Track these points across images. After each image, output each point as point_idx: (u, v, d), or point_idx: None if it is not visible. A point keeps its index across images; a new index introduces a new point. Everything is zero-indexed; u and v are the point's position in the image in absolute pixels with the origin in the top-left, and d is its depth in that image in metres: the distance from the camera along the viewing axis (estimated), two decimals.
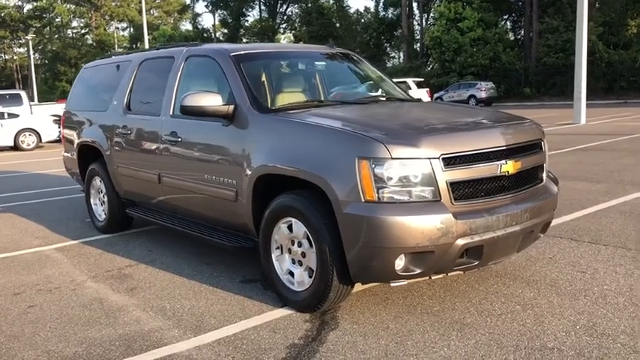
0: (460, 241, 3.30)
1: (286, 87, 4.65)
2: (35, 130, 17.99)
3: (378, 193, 3.24)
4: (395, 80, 23.35)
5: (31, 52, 79.50)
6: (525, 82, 39.26)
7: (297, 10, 61.69)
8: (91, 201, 6.34)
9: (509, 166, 3.53)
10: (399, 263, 3.31)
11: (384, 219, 3.21)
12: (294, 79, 4.77)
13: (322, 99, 4.51)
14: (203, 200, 4.53)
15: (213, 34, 70.01)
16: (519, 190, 3.66)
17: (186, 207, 4.85)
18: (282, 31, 68.84)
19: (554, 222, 5.51)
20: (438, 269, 3.45)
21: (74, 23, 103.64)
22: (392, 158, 3.24)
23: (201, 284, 4.39)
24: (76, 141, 6.41)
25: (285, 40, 68.52)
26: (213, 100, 4.06)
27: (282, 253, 3.84)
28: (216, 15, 69.61)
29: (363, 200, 3.25)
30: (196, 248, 5.33)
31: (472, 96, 34.56)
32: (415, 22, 52.41)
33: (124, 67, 5.79)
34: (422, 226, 3.23)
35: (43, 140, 18.41)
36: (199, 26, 71.63)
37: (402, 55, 51.81)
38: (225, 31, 67.69)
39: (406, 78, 30.07)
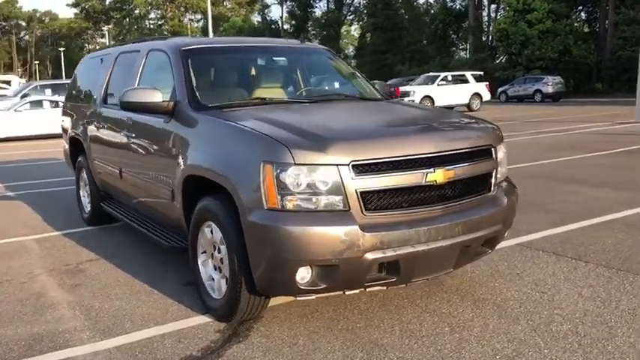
0: (369, 256, 3.03)
1: (235, 84, 4.45)
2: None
3: (281, 200, 3.02)
4: (452, 74, 22.45)
5: (111, 42, 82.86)
6: (597, 77, 37.21)
7: (364, 1, 61.05)
8: (80, 193, 6.41)
9: (437, 175, 3.21)
10: (304, 277, 3.08)
11: (284, 229, 2.99)
12: (247, 76, 4.57)
13: (271, 96, 4.29)
14: (149, 197, 4.46)
15: (280, 26, 70.54)
16: (453, 201, 3.34)
17: (139, 203, 4.78)
18: (348, 22, 68.48)
19: (547, 232, 5.16)
20: (349, 284, 3.20)
21: (151, 15, 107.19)
22: (295, 164, 3.01)
23: (143, 284, 4.30)
24: (68, 133, 6.50)
25: (355, 31, 68.08)
26: (152, 96, 3.94)
27: (207, 257, 3.69)
28: (285, 7, 70.06)
29: (265, 207, 3.05)
30: None
31: (538, 91, 33.10)
32: (484, 14, 50.77)
33: (106, 60, 5.79)
34: (324, 239, 2.99)
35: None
36: (268, 18, 72.25)
37: (468, 47, 50.31)
38: (293, 22, 67.97)
39: (464, 71, 29.10)
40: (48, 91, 20.41)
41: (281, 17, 71.79)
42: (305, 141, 3.10)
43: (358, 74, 4.97)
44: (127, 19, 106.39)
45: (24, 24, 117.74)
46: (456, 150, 3.35)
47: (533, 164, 9.58)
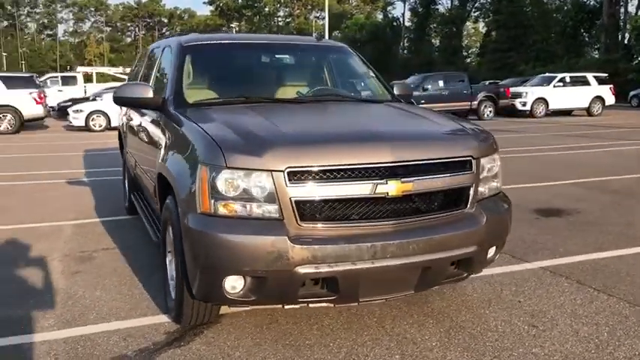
0: (301, 270, 2.81)
1: (230, 80, 4.34)
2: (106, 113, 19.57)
3: (214, 205, 2.88)
4: (572, 75, 20.79)
5: None
6: None
7: None
8: (125, 182, 6.66)
9: (389, 188, 2.91)
10: (235, 286, 2.93)
11: (212, 235, 2.85)
12: (244, 73, 4.44)
13: (264, 96, 4.13)
14: (147, 190, 4.53)
15: (402, 23, 69.77)
16: (410, 217, 3.02)
17: (146, 195, 4.86)
18: (472, 19, 66.21)
19: (584, 257, 4.62)
20: (280, 299, 3.00)
21: (280, 12, 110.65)
22: (227, 167, 2.85)
23: (134, 278, 4.36)
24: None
25: (483, 28, 65.50)
26: (143, 92, 3.95)
27: (172, 257, 3.64)
28: (407, 4, 69.21)
29: (198, 212, 2.93)
30: None
31: None
32: (622, 10, 46.79)
33: (143, 54, 5.96)
34: (250, 248, 2.82)
35: None
36: (389, 15, 71.73)
37: (600, 46, 46.61)
38: (415, 19, 66.94)
39: (586, 72, 26.88)
40: None
41: (402, 14, 71.01)
42: (242, 144, 2.94)
43: (372, 74, 4.68)
44: (258, 17, 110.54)
45: (165, 20, 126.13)
46: (417, 160, 3.02)
47: (624, 177, 8.61)
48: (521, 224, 5.78)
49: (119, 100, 4.03)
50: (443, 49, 62.22)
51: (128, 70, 44.20)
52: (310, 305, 3.11)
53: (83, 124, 18.61)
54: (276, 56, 4.63)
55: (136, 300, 3.89)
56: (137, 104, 4.02)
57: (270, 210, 2.85)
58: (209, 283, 2.94)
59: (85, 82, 29.17)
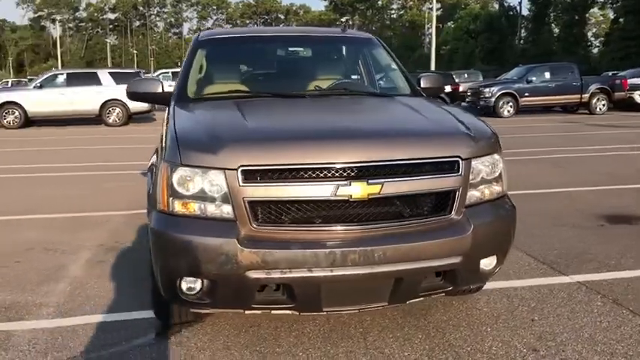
0: (252, 274, 2.65)
1: (240, 74, 4.22)
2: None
3: (171, 203, 2.80)
4: None
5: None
6: None
7: None
8: None
9: (353, 190, 2.66)
10: (193, 288, 2.82)
11: (165, 234, 2.77)
12: (257, 66, 4.30)
13: (268, 90, 3.96)
14: None
15: (519, 12, 66.45)
16: (379, 222, 2.76)
17: None
18: (599, 5, 61.60)
19: (630, 273, 4.08)
20: (235, 304, 2.85)
21: (393, 5, 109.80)
22: (182, 164, 2.76)
23: (147, 272, 4.39)
24: None
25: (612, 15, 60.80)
26: (152, 87, 3.97)
27: None
28: None
29: (158, 209, 2.86)
30: None
31: None
32: None
33: None
34: (199, 250, 2.69)
35: None
36: (505, 4, 68.52)
37: None
38: (533, 8, 63.46)
39: None
40: None
41: (519, 3, 67.56)
42: (199, 141, 2.82)
43: (395, 66, 4.37)
44: (370, 10, 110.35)
45: (282, 17, 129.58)
46: (388, 161, 2.74)
47: None
48: (578, 231, 5.24)
49: (132, 95, 4.06)
50: (564, 38, 58.48)
51: None
52: (273, 312, 2.95)
53: None
54: (290, 49, 4.46)
55: (134, 295, 3.90)
56: (148, 99, 4.03)
57: (224, 210, 2.72)
58: (166, 283, 2.86)
59: None
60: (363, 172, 2.69)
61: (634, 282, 3.96)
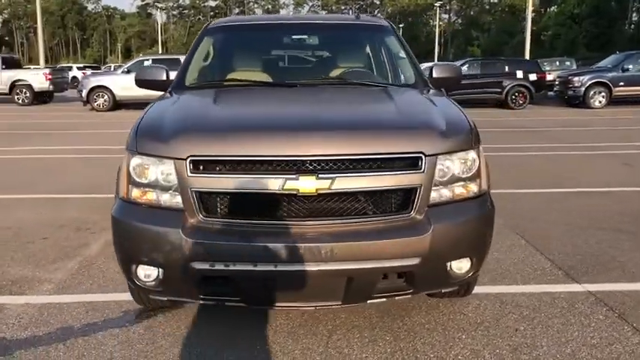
0: (197, 265, 2.64)
1: (235, 62, 4.16)
2: None
3: (129, 191, 2.85)
4: None
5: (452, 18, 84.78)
6: None
7: None
8: None
9: (302, 184, 2.59)
10: (149, 275, 2.85)
11: (121, 221, 2.83)
12: (256, 54, 4.23)
13: (263, 79, 3.91)
14: None
15: None
16: (329, 218, 2.66)
17: None
18: None
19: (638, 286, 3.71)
20: (183, 293, 2.86)
21: None
22: (138, 153, 2.80)
23: None
24: None
25: None
26: (156, 74, 4.06)
27: None
28: None
29: (120, 197, 2.92)
30: None
31: None
32: None
33: None
34: (147, 238, 2.74)
35: None
36: None
37: None
38: None
39: None
40: None
41: None
42: (156, 130, 2.85)
43: (404, 55, 4.16)
44: None
45: (377, 2, 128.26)
46: (339, 155, 2.62)
47: None
48: (616, 236, 4.84)
49: (139, 83, 4.16)
50: None
51: None
52: (227, 304, 2.93)
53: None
54: (297, 37, 4.36)
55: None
56: (153, 86, 4.11)
57: (174, 200, 2.72)
58: (125, 270, 2.91)
59: None
60: (313, 167, 2.60)
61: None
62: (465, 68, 20.28)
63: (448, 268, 2.84)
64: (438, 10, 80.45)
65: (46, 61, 36.06)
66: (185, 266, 2.65)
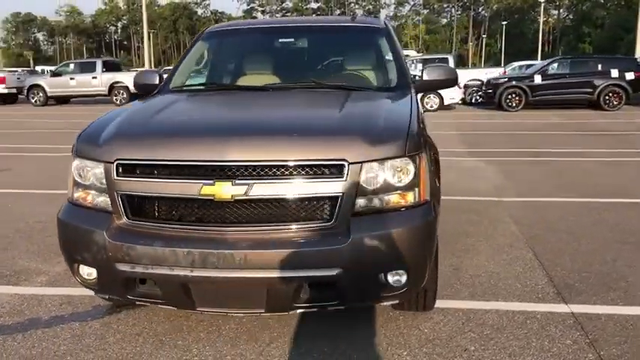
0: (120, 267, 2.72)
1: (220, 67, 4.21)
2: (438, 93, 19.13)
3: (72, 192, 2.98)
4: None
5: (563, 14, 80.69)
6: None
7: None
8: None
9: (217, 190, 2.58)
10: (91, 274, 2.96)
11: (60, 221, 2.95)
12: (248, 58, 4.23)
13: (241, 84, 3.92)
14: None
15: None
16: (245, 225, 2.63)
17: None
18: None
19: (634, 310, 3.38)
20: (113, 294, 2.94)
21: None
22: (77, 155, 2.92)
23: None
24: None
25: None
26: (150, 79, 4.20)
27: None
28: None
29: (68, 198, 3.05)
30: None
31: None
32: None
33: None
34: (77, 238, 2.86)
35: (445, 103, 19.43)
36: None
37: None
38: None
39: None
40: (420, 66, 21.80)
41: None
42: (95, 134, 2.94)
43: (391, 57, 4.01)
44: None
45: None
46: (256, 161, 2.59)
47: None
48: (636, 254, 4.39)
49: (136, 86, 4.33)
50: None
51: (406, 52, 44.32)
52: (166, 306, 2.97)
53: None
54: (282, 40, 4.33)
55: None
56: (146, 90, 4.25)
57: (103, 202, 2.81)
58: (70, 268, 3.03)
59: None
60: (229, 173, 2.59)
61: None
62: (554, 67, 19.30)
63: (382, 281, 2.73)
64: (542, 6, 76.61)
65: (158, 64, 38.26)
66: (110, 267, 2.72)
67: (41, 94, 23.44)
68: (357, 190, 2.62)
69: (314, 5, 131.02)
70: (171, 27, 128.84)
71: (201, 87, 3.95)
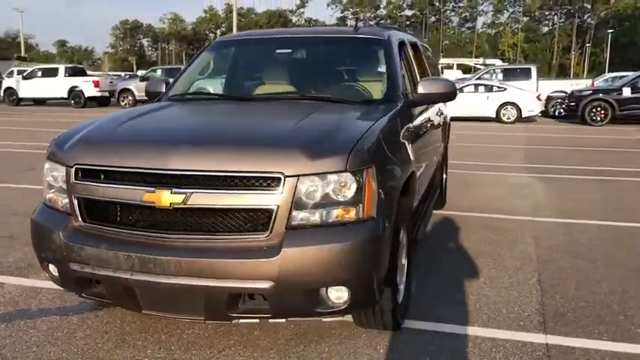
0: (73, 266, 2.87)
1: (218, 76, 4.30)
2: (516, 104, 18.45)
3: (45, 194, 3.18)
4: None
5: None
6: None
7: None
8: None
9: (157, 197, 2.67)
10: (54, 270, 3.13)
11: (32, 221, 3.15)
12: (244, 68, 4.29)
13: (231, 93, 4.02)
14: None
15: None
16: (182, 233, 2.70)
17: None
18: None
19: (615, 346, 3.18)
20: (73, 290, 3.11)
21: None
22: (47, 158, 3.11)
23: None
24: None
25: None
26: (157, 87, 4.39)
27: None
28: None
29: (43, 199, 3.25)
30: None
31: None
32: None
33: None
34: (40, 237, 3.07)
35: (523, 115, 18.65)
36: None
37: None
38: None
39: None
40: (500, 76, 21.10)
41: None
42: (65, 138, 3.12)
43: (384, 69, 3.93)
44: None
45: (588, 6, 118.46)
46: (195, 171, 2.65)
47: None
48: None
49: (146, 94, 4.53)
50: None
51: (492, 62, 42.47)
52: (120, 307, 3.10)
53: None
54: (278, 51, 4.36)
55: None
56: (154, 97, 4.43)
57: (65, 204, 2.98)
58: (40, 265, 3.22)
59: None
60: (169, 181, 2.68)
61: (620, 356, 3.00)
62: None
63: (323, 296, 2.71)
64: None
65: None
66: (66, 266, 2.89)
67: (130, 98, 24.78)
68: (294, 203, 2.62)
69: (408, 12, 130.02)
70: None
71: (191, 96, 4.08)
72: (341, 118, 3.21)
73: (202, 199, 2.64)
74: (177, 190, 2.65)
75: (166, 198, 2.65)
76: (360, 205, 2.70)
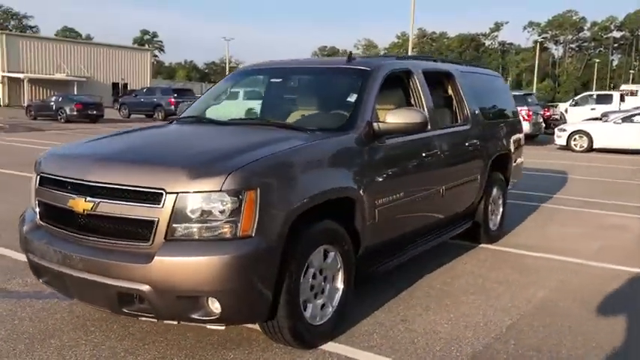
0: (30, 256, 3.55)
1: (214, 102, 4.79)
2: (588, 134, 17.70)
3: (31, 198, 3.85)
4: None
5: None
6: None
7: None
8: None
9: (75, 203, 3.22)
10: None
11: (20, 219, 3.85)
12: (242, 96, 4.67)
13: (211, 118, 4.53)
14: None
15: None
16: (89, 234, 3.21)
17: None
18: None
19: None
20: (37, 277, 3.69)
21: None
22: (34, 168, 3.79)
23: None
24: None
25: None
26: (181, 110, 5.06)
27: None
28: None
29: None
30: None
31: None
32: None
33: None
34: (19, 232, 3.73)
35: (594, 146, 17.56)
36: None
37: None
38: None
39: None
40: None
41: None
42: (49, 152, 3.84)
43: (353, 99, 4.04)
44: None
45: None
46: (100, 183, 3.16)
47: None
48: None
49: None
50: None
51: None
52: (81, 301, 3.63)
53: (564, 144, 18.27)
54: (272, 80, 4.70)
55: None
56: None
57: (34, 205, 3.64)
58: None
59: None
60: (84, 190, 3.22)
61: None
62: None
63: (202, 303, 3.01)
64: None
65: None
66: (27, 255, 3.57)
67: None
68: (173, 217, 2.96)
69: (616, 34, 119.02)
70: (458, 58, 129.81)
71: (189, 118, 4.61)
72: (261, 142, 3.48)
73: (106, 207, 3.11)
74: (90, 198, 3.16)
75: (82, 205, 3.17)
76: (237, 224, 2.95)
